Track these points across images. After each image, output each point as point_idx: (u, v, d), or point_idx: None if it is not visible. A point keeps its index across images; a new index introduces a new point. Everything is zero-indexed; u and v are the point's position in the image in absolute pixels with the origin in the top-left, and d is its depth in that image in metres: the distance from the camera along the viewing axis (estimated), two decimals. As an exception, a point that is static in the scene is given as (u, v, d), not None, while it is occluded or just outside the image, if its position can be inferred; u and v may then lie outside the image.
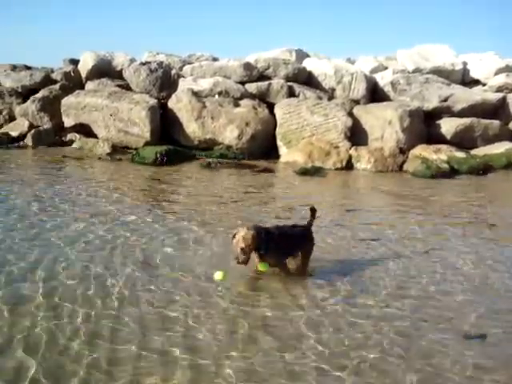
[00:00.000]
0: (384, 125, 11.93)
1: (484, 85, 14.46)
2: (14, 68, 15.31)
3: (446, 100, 12.82)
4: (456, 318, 4.27)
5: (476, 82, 14.76)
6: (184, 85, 13.23)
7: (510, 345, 3.95)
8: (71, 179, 9.55)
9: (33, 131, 12.70)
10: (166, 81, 13.40)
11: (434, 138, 12.29)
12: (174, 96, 12.77)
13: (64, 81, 14.24)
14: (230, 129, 11.98)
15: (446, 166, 10.76)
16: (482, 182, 10.36)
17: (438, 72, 14.41)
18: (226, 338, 3.80)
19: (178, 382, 3.26)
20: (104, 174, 10.13)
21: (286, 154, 11.92)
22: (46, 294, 4.37)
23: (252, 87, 13.17)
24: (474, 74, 14.86)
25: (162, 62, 14.09)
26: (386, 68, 15.20)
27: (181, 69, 14.48)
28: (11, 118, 13.71)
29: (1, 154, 11.56)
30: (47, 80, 14.30)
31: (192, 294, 4.52)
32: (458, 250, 6.07)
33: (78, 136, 12.80)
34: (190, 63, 14.89)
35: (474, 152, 11.99)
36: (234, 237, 4.65)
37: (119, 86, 13.77)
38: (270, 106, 12.70)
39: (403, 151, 11.60)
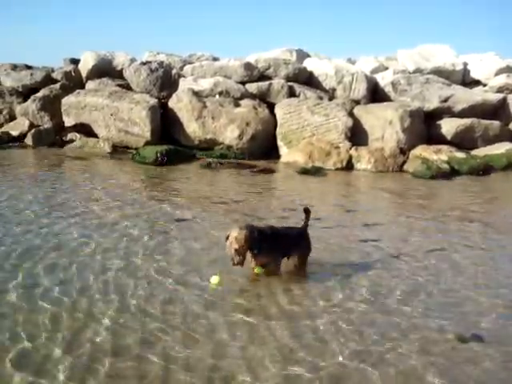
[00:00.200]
0: (384, 125, 11.93)
1: (484, 85, 14.45)
2: (14, 67, 15.32)
3: (446, 100, 12.81)
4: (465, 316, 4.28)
5: (476, 83, 14.74)
6: (184, 85, 13.23)
7: None
8: (71, 179, 9.55)
9: (33, 131, 12.70)
10: (166, 81, 13.40)
11: (434, 138, 12.29)
12: (174, 96, 12.76)
13: (64, 80, 14.24)
14: (230, 129, 11.98)
15: (446, 166, 10.75)
16: (483, 183, 10.35)
17: (439, 72, 14.40)
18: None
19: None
20: (104, 174, 10.12)
21: (286, 154, 11.92)
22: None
23: (252, 87, 13.16)
24: (475, 74, 14.85)
25: (162, 62, 14.09)
26: (386, 68, 15.19)
27: (181, 69, 14.48)
28: (12, 117, 13.71)
29: (1, 154, 11.57)
30: (48, 79, 14.30)
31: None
32: (458, 251, 6.06)
33: (78, 135, 12.80)
34: (190, 63, 14.88)
35: (474, 152, 11.98)
36: (227, 238, 4.59)
37: (120, 85, 13.76)
38: (271, 106, 12.69)
39: (403, 151, 11.59)
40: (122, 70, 14.22)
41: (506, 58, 14.97)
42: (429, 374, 3.48)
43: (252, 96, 13.00)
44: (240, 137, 11.91)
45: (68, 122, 12.94)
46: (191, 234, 6.23)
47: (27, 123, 13.09)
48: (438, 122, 12.64)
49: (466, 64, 14.97)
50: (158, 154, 10.99)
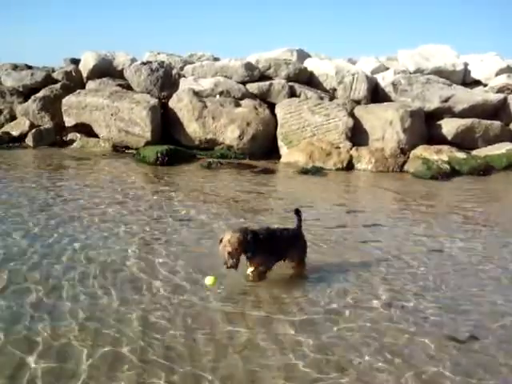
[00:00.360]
0: (385, 125, 11.93)
1: (485, 85, 14.45)
2: (15, 67, 15.31)
3: (447, 100, 12.81)
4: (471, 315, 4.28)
5: (477, 83, 14.73)
6: (185, 85, 13.23)
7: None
8: (71, 179, 9.55)
9: (33, 131, 12.70)
10: (166, 81, 13.40)
11: (434, 138, 12.29)
12: (174, 96, 12.76)
13: (65, 80, 14.23)
14: (230, 129, 11.98)
15: (446, 166, 10.75)
16: (483, 183, 10.34)
17: (439, 72, 14.39)
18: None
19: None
20: (105, 174, 10.12)
21: (286, 154, 11.92)
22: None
23: (253, 87, 13.16)
24: (475, 74, 14.84)
25: (163, 62, 14.09)
26: (387, 68, 15.18)
27: (182, 69, 14.47)
28: (12, 117, 13.70)
29: (1, 154, 11.57)
30: (48, 79, 14.29)
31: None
32: (459, 251, 6.06)
33: (78, 136, 12.81)
34: (191, 63, 14.88)
35: (474, 153, 11.99)
36: (220, 241, 4.50)
37: (120, 85, 13.76)
38: (271, 106, 12.70)
39: (404, 152, 11.60)
40: (122, 69, 14.22)
41: (506, 59, 14.97)
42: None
43: (253, 96, 12.99)
44: (240, 137, 11.91)
45: (68, 122, 12.94)
46: (191, 233, 6.23)
47: (28, 123, 13.09)
48: (439, 122, 12.65)
49: (466, 64, 14.96)
50: (159, 154, 10.99)
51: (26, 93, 14.01)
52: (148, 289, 4.60)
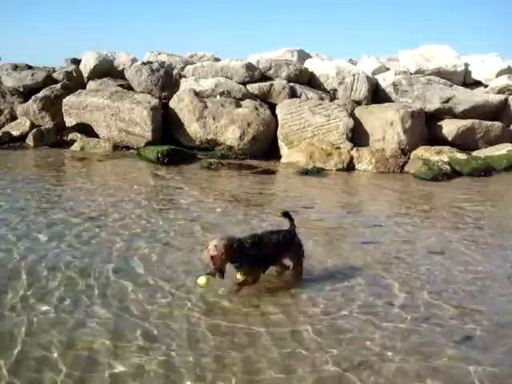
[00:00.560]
0: (386, 126, 11.93)
1: (486, 86, 14.44)
2: (15, 67, 15.29)
3: (447, 101, 12.80)
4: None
5: (478, 84, 14.72)
6: (186, 85, 13.22)
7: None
8: (72, 179, 9.55)
9: (34, 131, 12.69)
10: (167, 81, 13.39)
11: (435, 139, 12.29)
12: (175, 96, 12.76)
13: (66, 80, 14.20)
14: (231, 129, 11.97)
15: (447, 167, 10.74)
16: (484, 184, 10.33)
17: (440, 73, 14.38)
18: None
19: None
20: (106, 174, 10.13)
21: (287, 154, 11.91)
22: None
23: (254, 88, 13.16)
24: (476, 75, 14.83)
25: (163, 62, 14.08)
26: (387, 69, 15.18)
27: (182, 69, 14.45)
28: (12, 117, 13.68)
29: (2, 154, 11.57)
30: (49, 79, 14.27)
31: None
32: (460, 252, 6.06)
33: (79, 136, 12.79)
34: (191, 63, 14.87)
35: (475, 153, 11.97)
36: (206, 248, 4.34)
37: (121, 85, 13.74)
38: (272, 107, 12.69)
39: (405, 152, 11.59)
40: (123, 70, 14.21)
41: (507, 59, 14.94)
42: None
43: (253, 96, 12.99)
44: (241, 137, 11.90)
45: (69, 122, 12.93)
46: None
47: (28, 123, 13.08)
48: (439, 123, 12.64)
49: (467, 65, 14.95)
50: (159, 155, 10.99)
51: (27, 93, 13.99)
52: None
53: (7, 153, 11.74)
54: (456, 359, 3.67)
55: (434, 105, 12.81)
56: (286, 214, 4.97)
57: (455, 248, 6.21)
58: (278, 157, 12.06)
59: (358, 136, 11.97)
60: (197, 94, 12.70)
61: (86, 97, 12.84)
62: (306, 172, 10.57)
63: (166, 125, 12.46)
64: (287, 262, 4.96)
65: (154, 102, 12.36)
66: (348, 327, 4.08)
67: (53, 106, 13.19)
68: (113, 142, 12.35)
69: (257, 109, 12.37)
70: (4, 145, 12.41)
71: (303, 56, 15.76)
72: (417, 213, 7.94)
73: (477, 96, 13.30)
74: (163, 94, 13.17)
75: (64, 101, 12.90)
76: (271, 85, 13.12)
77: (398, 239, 6.51)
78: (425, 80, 13.70)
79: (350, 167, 11.18)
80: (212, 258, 4.21)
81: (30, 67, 15.51)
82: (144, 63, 13.81)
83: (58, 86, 13.80)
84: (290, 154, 11.81)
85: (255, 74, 13.46)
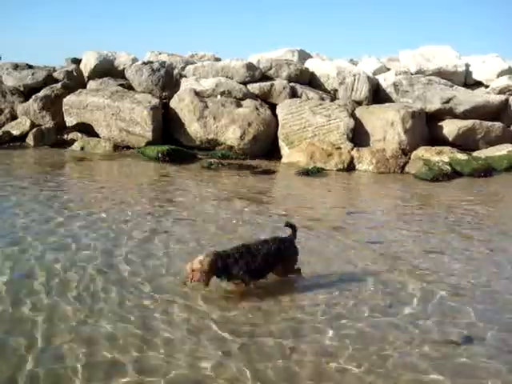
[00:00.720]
0: (386, 126, 11.92)
1: (486, 87, 14.43)
2: (16, 67, 15.27)
3: (448, 102, 12.79)
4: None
5: (478, 84, 14.71)
6: (186, 85, 13.21)
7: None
8: (71, 179, 9.55)
9: (34, 130, 12.68)
10: (168, 80, 13.38)
11: (436, 139, 12.28)
12: (176, 96, 12.75)
13: (66, 80, 14.19)
14: (232, 129, 11.96)
15: (448, 167, 10.73)
16: (484, 185, 10.32)
17: (441, 73, 14.36)
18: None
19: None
20: (105, 174, 10.13)
21: (288, 154, 11.90)
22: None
23: (254, 87, 13.15)
24: (477, 75, 14.82)
25: (164, 62, 14.07)
26: (388, 69, 15.17)
27: (183, 69, 14.43)
28: (13, 116, 13.67)
29: (2, 153, 11.56)
30: (49, 79, 14.26)
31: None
32: (460, 253, 6.05)
33: (79, 135, 12.78)
34: (192, 63, 14.85)
35: (475, 154, 11.96)
36: (191, 262, 4.39)
37: (121, 85, 13.73)
38: (273, 107, 12.68)
39: (405, 152, 11.58)
40: (123, 69, 14.20)
41: (508, 60, 14.93)
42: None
43: (254, 96, 12.98)
44: (241, 137, 11.89)
45: (69, 121, 12.92)
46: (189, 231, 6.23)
47: (28, 123, 13.07)
48: (440, 124, 12.63)
49: (468, 65, 14.94)
50: (160, 154, 10.99)
51: (27, 92, 13.98)
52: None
53: (7, 152, 11.72)
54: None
55: (434, 105, 12.80)
56: (289, 225, 4.95)
57: (457, 248, 6.20)
58: (279, 157, 12.05)
59: (358, 136, 11.95)
60: (197, 93, 12.69)
61: (86, 96, 12.83)
62: (306, 172, 10.56)
63: (167, 124, 12.45)
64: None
65: (155, 101, 12.35)
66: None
67: (53, 105, 13.18)
68: (113, 142, 12.34)
69: (257, 109, 12.36)
70: (4, 144, 12.40)
71: (304, 56, 15.75)
72: (417, 213, 7.93)
73: (477, 96, 13.29)
74: (164, 93, 13.16)
75: (64, 100, 12.90)
76: (272, 85, 13.11)
77: (398, 239, 6.50)
78: (425, 80, 13.69)
79: (350, 167, 11.16)
80: (192, 270, 4.30)
81: (30, 67, 15.50)
82: (144, 63, 13.79)
83: (59, 85, 13.79)
84: (290, 154, 11.80)
85: (256, 73, 13.44)
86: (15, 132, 12.96)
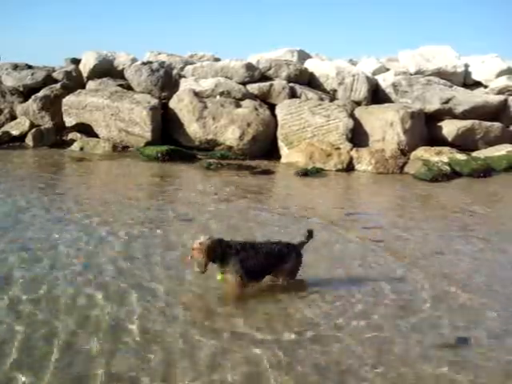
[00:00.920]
0: (385, 126, 11.92)
1: (486, 87, 14.44)
2: (15, 67, 15.27)
3: (447, 102, 12.81)
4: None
5: (478, 84, 14.72)
6: (185, 85, 13.21)
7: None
8: (72, 179, 9.55)
9: (34, 130, 12.69)
10: (167, 81, 13.38)
11: (435, 139, 12.29)
12: (175, 96, 12.75)
13: (65, 80, 14.18)
14: (231, 129, 11.96)
15: (447, 168, 10.73)
16: (484, 185, 10.33)
17: (440, 74, 14.38)
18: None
19: None
20: (106, 174, 10.13)
21: (287, 154, 11.90)
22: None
23: (254, 88, 13.16)
24: (476, 76, 14.83)
25: (163, 62, 14.07)
26: (387, 69, 15.18)
27: (182, 69, 14.44)
28: (12, 116, 13.68)
29: (1, 154, 11.55)
30: (49, 79, 14.25)
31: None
32: (459, 253, 6.05)
33: (79, 135, 12.79)
34: (191, 63, 14.86)
35: (475, 154, 11.97)
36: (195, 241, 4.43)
37: (120, 85, 13.73)
38: (272, 107, 12.69)
39: (404, 153, 11.58)
40: (123, 70, 14.20)
41: (507, 60, 14.94)
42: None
43: (253, 97, 12.99)
44: (241, 137, 11.89)
45: (69, 121, 12.92)
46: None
47: (28, 123, 13.07)
48: (439, 124, 12.65)
49: (467, 66, 14.95)
50: (159, 155, 11.00)
51: (27, 92, 13.98)
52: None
53: (7, 152, 11.72)
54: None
55: (433, 105, 12.81)
56: (308, 231, 4.88)
57: (457, 249, 6.20)
58: (278, 157, 12.05)
59: (357, 136, 11.96)
60: (196, 94, 12.70)
61: (85, 97, 12.83)
62: (305, 172, 10.56)
63: (166, 125, 12.45)
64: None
65: (154, 101, 12.36)
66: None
67: (52, 105, 13.19)
68: (112, 142, 12.35)
69: (256, 109, 12.37)
70: (3, 144, 12.40)
71: (303, 56, 15.75)
72: (416, 213, 7.93)
73: (477, 97, 13.30)
74: (163, 94, 13.16)
75: (64, 100, 12.90)
76: (271, 85, 13.12)
77: (398, 239, 6.50)
78: (425, 80, 13.71)
79: (349, 168, 11.17)
80: (193, 249, 4.42)
81: (29, 67, 15.50)
82: (144, 63, 13.80)
83: (58, 85, 13.79)
84: (289, 155, 11.81)
85: (255, 74, 13.45)
86: (14, 132, 12.96)
